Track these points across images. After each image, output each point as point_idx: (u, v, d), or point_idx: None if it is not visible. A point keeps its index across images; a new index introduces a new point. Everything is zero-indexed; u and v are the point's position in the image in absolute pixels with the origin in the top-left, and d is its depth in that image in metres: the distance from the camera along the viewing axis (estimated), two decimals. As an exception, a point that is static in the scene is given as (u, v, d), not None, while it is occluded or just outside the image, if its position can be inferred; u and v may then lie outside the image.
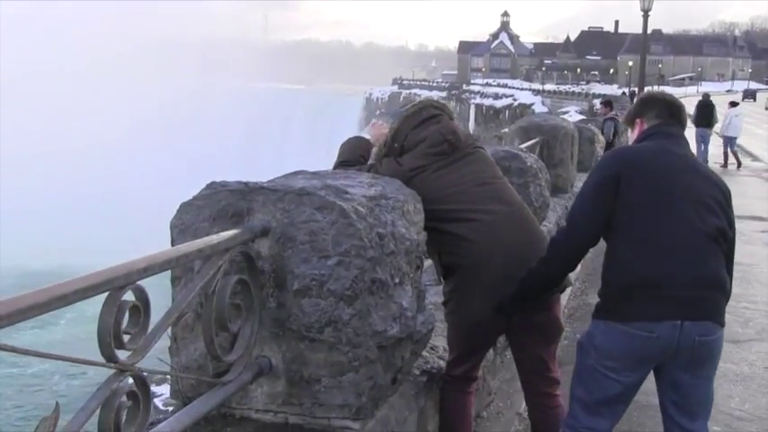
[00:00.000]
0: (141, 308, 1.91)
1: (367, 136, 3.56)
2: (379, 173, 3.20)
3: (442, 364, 3.48)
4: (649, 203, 2.86)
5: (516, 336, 3.34)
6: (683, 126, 3.16)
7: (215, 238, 2.24)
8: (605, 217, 2.91)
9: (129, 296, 1.88)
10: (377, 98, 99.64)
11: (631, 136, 3.25)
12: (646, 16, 23.81)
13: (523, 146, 7.62)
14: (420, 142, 3.30)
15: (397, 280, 2.71)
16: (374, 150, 3.45)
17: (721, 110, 21.65)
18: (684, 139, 3.12)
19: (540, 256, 3.09)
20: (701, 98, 21.68)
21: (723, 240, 2.91)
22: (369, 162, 3.43)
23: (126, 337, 1.89)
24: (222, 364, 2.44)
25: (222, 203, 2.60)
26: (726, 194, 3.00)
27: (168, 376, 3.08)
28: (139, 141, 66.23)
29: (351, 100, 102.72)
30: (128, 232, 46.53)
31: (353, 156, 3.45)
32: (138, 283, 1.89)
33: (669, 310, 2.79)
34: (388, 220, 2.69)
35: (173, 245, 2.63)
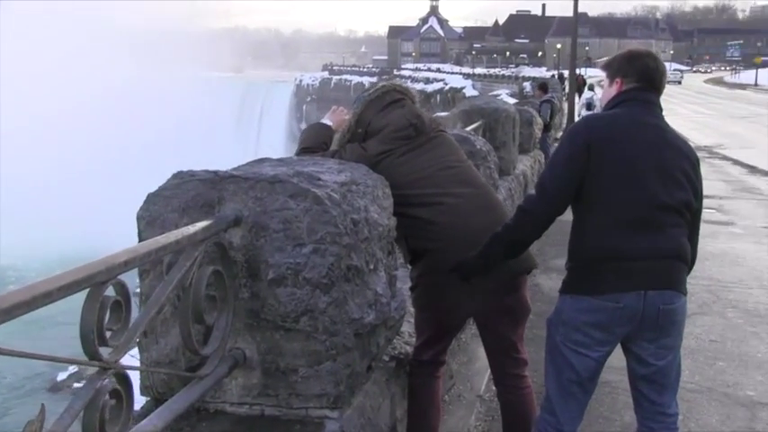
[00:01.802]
0: (123, 303, 1.84)
1: (328, 122, 3.51)
2: (343, 159, 3.15)
3: (409, 349, 3.46)
4: (616, 176, 2.86)
5: (484, 318, 3.33)
6: (659, 93, 3.09)
7: (191, 229, 2.17)
8: (575, 186, 2.90)
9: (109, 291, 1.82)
10: (307, 84, 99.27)
11: (606, 90, 3.16)
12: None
13: (467, 129, 7.64)
14: (384, 127, 3.27)
15: (371, 266, 2.67)
16: (336, 136, 3.40)
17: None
18: (659, 107, 3.07)
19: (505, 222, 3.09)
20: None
21: (687, 211, 2.94)
22: (331, 149, 3.38)
23: (107, 334, 1.82)
24: (196, 357, 2.38)
25: (191, 193, 2.52)
26: (695, 165, 3.01)
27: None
28: (65, 135, 64.38)
29: (281, 87, 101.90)
30: (45, 233, 45.13)
31: (316, 142, 3.40)
32: (119, 277, 1.83)
33: (633, 281, 2.83)
34: (361, 206, 2.65)
35: (140, 237, 2.56)
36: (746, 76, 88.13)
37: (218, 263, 2.38)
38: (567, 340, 2.95)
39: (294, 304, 2.47)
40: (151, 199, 2.57)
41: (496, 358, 3.41)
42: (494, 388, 4.66)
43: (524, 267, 3.28)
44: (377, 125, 3.28)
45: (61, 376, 23.71)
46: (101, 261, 1.76)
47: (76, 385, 22.00)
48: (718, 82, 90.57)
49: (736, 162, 18.52)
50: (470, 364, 4.92)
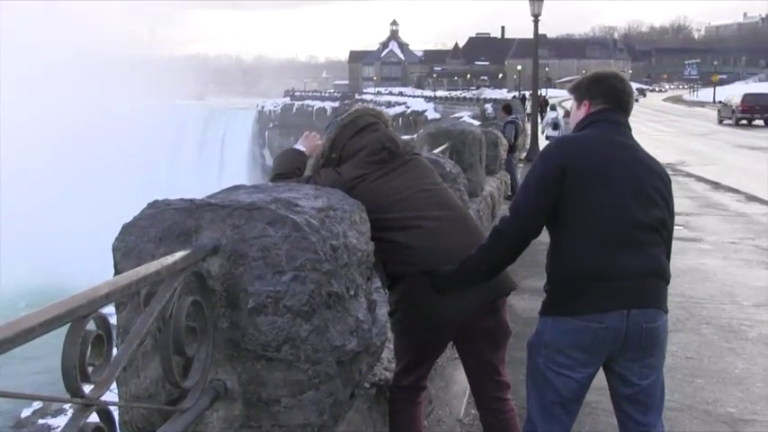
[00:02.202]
0: (104, 337, 1.80)
1: (301, 148, 3.48)
2: (318, 184, 3.13)
3: (389, 375, 3.43)
4: (594, 196, 2.87)
5: (465, 341, 3.31)
6: (627, 113, 3.13)
7: (170, 259, 2.13)
8: (549, 208, 2.91)
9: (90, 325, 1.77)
10: (269, 111, 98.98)
11: (574, 113, 3.22)
12: (536, 21, 24.16)
13: (435, 152, 7.66)
14: (359, 151, 3.25)
15: (352, 292, 2.64)
16: (310, 162, 3.38)
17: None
18: (628, 126, 3.11)
19: (480, 244, 3.07)
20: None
21: (664, 229, 2.97)
22: (305, 174, 3.36)
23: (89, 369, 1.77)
24: (176, 390, 2.33)
25: (168, 222, 2.48)
26: (667, 184, 3.05)
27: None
28: (25, 162, 63.07)
29: (243, 113, 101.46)
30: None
31: (290, 168, 3.37)
32: (100, 310, 1.78)
33: (616, 300, 2.83)
34: (340, 232, 2.62)
35: (116, 268, 2.51)
36: (704, 93, 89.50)
37: (196, 293, 2.33)
38: (550, 362, 2.93)
39: (275, 333, 2.44)
40: (127, 229, 2.53)
41: (478, 382, 3.38)
42: (473, 412, 4.65)
43: (504, 289, 3.26)
44: (351, 149, 3.27)
45: (25, 413, 23.09)
46: (82, 294, 1.72)
47: (41, 422, 21.53)
48: (678, 100, 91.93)
49: (699, 179, 18.74)
50: (448, 389, 4.89)
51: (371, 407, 3.10)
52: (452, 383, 4.97)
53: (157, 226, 2.49)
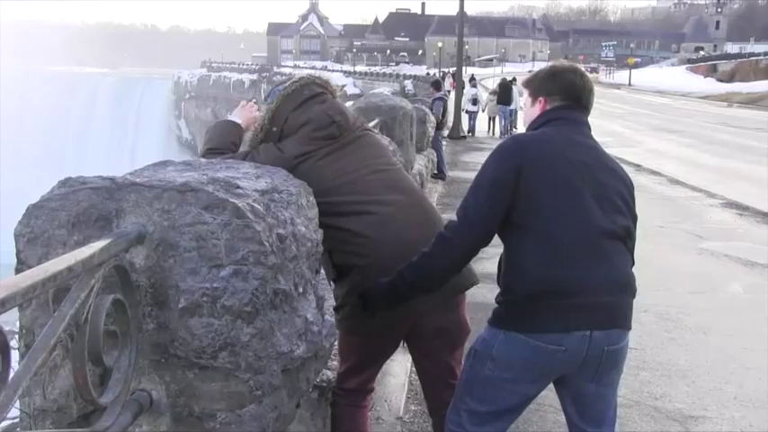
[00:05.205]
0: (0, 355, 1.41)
1: (236, 119, 3.09)
2: (256, 161, 2.74)
3: (331, 375, 3.10)
4: (555, 202, 2.56)
5: (419, 341, 2.98)
6: (587, 111, 2.84)
7: (86, 252, 1.74)
8: (502, 214, 2.59)
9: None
10: (186, 81, 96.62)
11: (529, 111, 2.89)
12: (462, -4, 24.06)
13: (366, 127, 7.34)
14: (303, 125, 2.87)
15: (300, 289, 2.28)
16: (247, 136, 2.99)
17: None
18: (588, 126, 2.82)
19: (422, 251, 2.70)
20: (501, 80, 27.24)
21: (628, 238, 2.69)
22: (241, 149, 2.97)
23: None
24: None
25: (83, 205, 2.08)
26: (630, 190, 2.77)
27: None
28: None
29: (159, 84, 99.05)
30: None
31: (224, 142, 2.97)
32: (-4, 320, 1.39)
33: (579, 320, 2.54)
34: (287, 218, 2.25)
35: (18, 257, 2.10)
36: (620, 76, 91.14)
37: (118, 290, 1.95)
38: (495, 377, 2.64)
39: (211, 337, 2.06)
40: (33, 212, 2.11)
41: (432, 385, 3.06)
42: (413, 408, 4.36)
43: (463, 284, 2.93)
44: (294, 123, 2.89)
45: None
46: (-31, 302, 1.33)
47: None
48: (594, 81, 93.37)
49: (622, 161, 18.65)
50: (386, 382, 4.56)
51: (314, 413, 2.76)
52: (390, 376, 4.66)
53: (70, 208, 2.08)
